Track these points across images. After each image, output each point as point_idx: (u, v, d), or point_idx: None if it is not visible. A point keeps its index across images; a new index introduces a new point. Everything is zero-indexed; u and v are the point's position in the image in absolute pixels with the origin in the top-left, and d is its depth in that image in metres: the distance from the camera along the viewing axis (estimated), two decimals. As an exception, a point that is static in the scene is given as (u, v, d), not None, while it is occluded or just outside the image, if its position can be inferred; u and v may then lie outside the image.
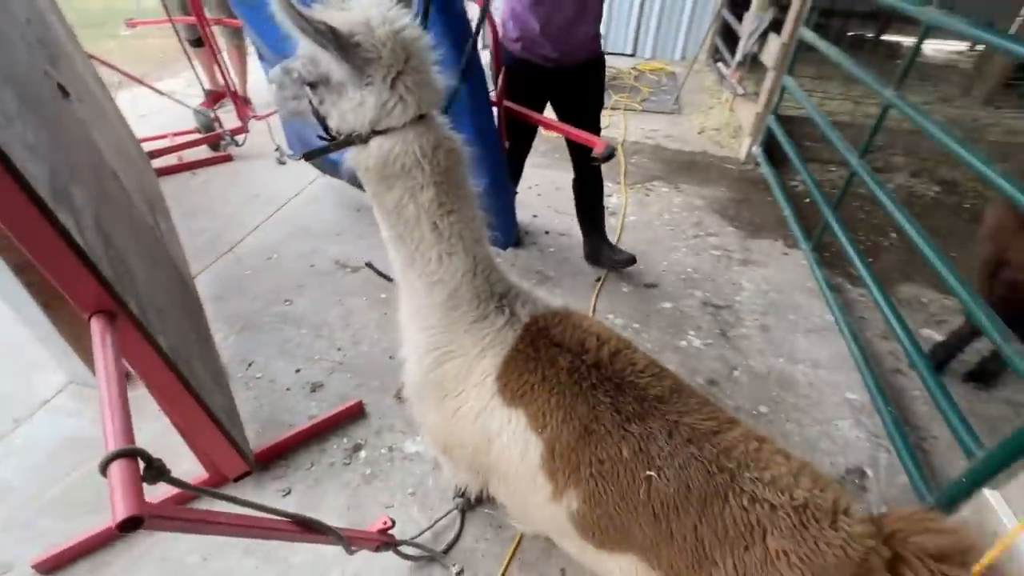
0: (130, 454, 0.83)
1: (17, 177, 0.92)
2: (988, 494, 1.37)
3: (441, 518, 1.63)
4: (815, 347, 2.37)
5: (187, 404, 1.37)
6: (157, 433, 1.69)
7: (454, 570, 1.52)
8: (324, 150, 1.04)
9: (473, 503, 1.68)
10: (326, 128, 1.03)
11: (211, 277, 2.62)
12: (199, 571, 1.51)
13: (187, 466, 1.66)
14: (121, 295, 1.11)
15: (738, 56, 4.87)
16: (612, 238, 3.00)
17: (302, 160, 1.19)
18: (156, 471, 0.83)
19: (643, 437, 1.18)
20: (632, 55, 6.97)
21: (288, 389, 2.05)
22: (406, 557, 1.49)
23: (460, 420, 1.33)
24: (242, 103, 3.78)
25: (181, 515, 0.86)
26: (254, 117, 3.68)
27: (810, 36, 3.28)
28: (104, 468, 0.81)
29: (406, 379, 1.46)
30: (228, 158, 3.70)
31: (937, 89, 5.95)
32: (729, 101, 5.17)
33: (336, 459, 1.81)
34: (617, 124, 4.68)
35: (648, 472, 1.16)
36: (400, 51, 0.94)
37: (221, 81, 3.70)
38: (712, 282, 2.75)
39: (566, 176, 3.35)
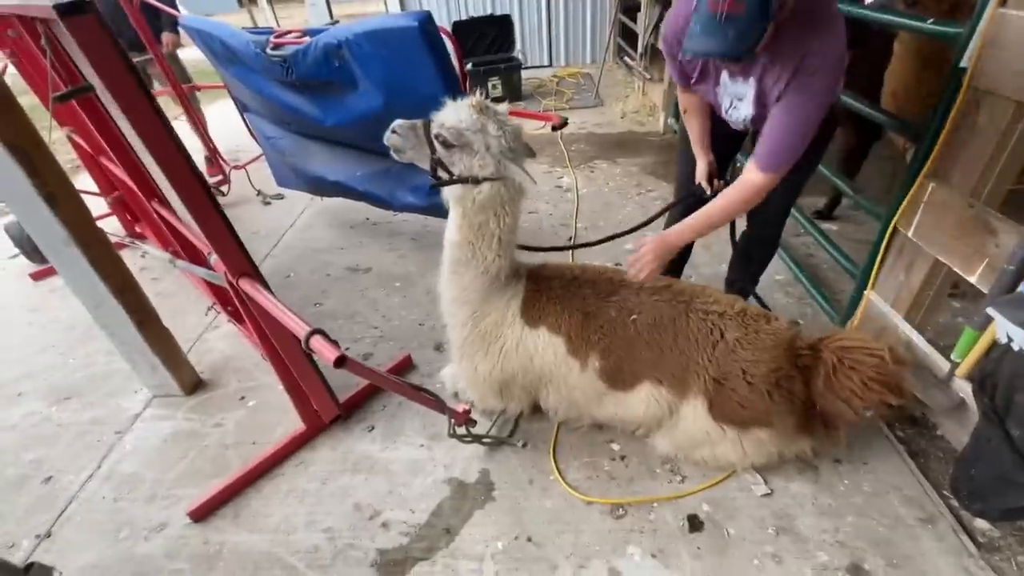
0: (319, 332, 1.28)
1: (203, 185, 1.37)
2: (870, 295, 1.99)
3: (499, 416, 2.08)
4: (747, 252, 3.01)
5: (299, 355, 1.80)
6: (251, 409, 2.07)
7: (519, 444, 1.98)
8: (448, 182, 1.54)
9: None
10: (435, 170, 1.53)
11: (243, 299, 2.98)
12: (322, 492, 1.88)
13: (285, 427, 2.06)
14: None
15: (640, 48, 5.68)
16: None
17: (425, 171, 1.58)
18: (335, 344, 1.29)
19: (620, 301, 1.75)
20: (549, 65, 7.76)
21: (344, 363, 2.45)
22: (483, 444, 1.95)
23: (507, 354, 1.83)
24: (220, 157, 4.14)
25: (360, 364, 1.31)
26: (235, 167, 4.06)
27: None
28: (307, 342, 1.26)
29: (453, 352, 1.95)
30: (217, 208, 4.03)
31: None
32: (641, 87, 5.97)
33: (401, 399, 2.23)
34: (552, 122, 5.36)
35: (632, 316, 1.70)
36: (515, 141, 1.50)
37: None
38: (661, 224, 3.36)
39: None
